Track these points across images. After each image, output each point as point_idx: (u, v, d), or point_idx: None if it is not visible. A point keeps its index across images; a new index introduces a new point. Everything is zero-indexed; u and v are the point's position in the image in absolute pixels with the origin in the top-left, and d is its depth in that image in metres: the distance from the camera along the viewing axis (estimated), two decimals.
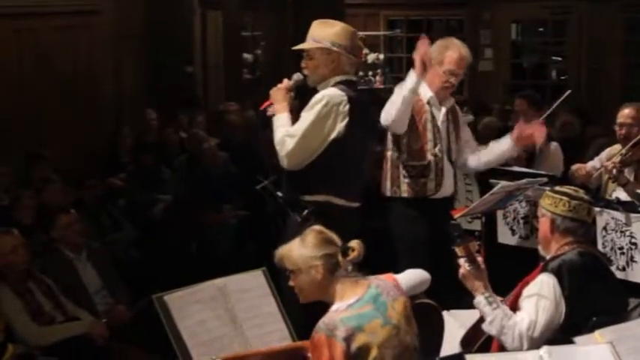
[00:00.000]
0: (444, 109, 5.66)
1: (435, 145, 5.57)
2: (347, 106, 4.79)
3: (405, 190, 5.57)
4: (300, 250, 3.69)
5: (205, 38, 13.24)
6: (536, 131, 5.67)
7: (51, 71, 8.65)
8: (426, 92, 5.61)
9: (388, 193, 5.58)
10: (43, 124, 8.50)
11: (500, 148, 5.77)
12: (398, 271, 3.99)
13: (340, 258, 3.67)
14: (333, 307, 3.64)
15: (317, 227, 3.80)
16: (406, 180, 5.55)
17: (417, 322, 3.77)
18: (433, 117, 5.59)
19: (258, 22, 13.97)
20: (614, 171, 5.89)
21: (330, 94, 4.83)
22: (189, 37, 12.43)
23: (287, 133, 4.84)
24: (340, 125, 4.79)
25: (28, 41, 8.45)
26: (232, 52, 12.51)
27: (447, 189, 5.64)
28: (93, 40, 9.26)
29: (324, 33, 4.95)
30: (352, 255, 3.69)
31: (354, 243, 3.72)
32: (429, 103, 5.60)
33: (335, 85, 4.90)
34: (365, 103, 5.02)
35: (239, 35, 12.75)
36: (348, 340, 3.47)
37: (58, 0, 8.75)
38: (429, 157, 5.55)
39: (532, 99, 7.21)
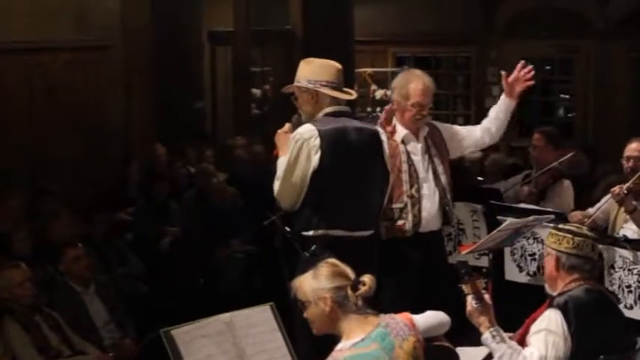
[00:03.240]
0: (421, 138, 5.67)
1: (412, 186, 5.57)
2: (317, 140, 4.82)
3: (383, 234, 5.54)
4: (311, 282, 3.71)
5: (214, 73, 13.32)
6: (520, 75, 5.70)
7: (60, 105, 8.69)
8: (400, 131, 5.62)
9: None
10: (53, 158, 8.53)
11: (501, 109, 5.82)
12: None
13: (350, 292, 3.67)
14: (338, 346, 3.64)
15: (331, 260, 3.82)
16: (384, 223, 5.54)
17: None
18: (409, 156, 5.60)
19: (267, 58, 14.04)
20: (621, 194, 5.91)
21: (301, 131, 4.89)
22: (198, 72, 12.51)
23: (276, 176, 4.95)
24: (315, 158, 4.82)
25: (38, 76, 8.51)
26: (241, 87, 12.57)
27: (430, 225, 5.63)
28: (102, 75, 9.31)
29: (302, 72, 5.03)
30: (362, 289, 3.68)
31: (366, 277, 3.71)
32: (403, 142, 5.61)
33: (317, 120, 4.94)
34: (349, 133, 4.96)
35: (248, 70, 12.81)
36: None
37: (68, 35, 8.82)
38: (405, 199, 5.55)
39: (550, 135, 7.19)
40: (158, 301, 7.22)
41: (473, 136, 5.90)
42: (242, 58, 12.49)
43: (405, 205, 5.54)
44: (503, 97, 5.81)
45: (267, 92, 14.05)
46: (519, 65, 5.75)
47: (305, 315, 3.74)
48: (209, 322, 4.06)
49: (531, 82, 5.75)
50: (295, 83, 5.04)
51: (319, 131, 4.84)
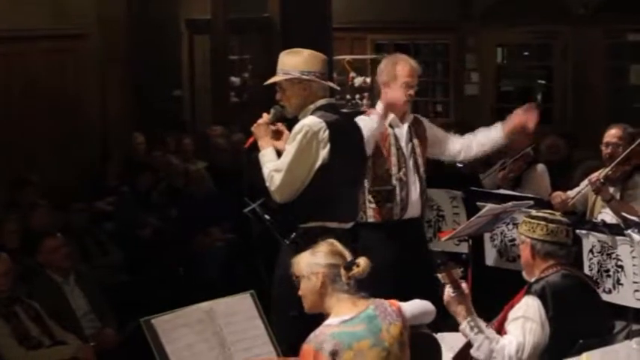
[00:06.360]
0: (405, 127, 5.69)
1: (400, 169, 5.58)
2: (326, 132, 4.75)
3: (370, 216, 5.60)
4: (308, 258, 3.81)
5: (193, 62, 13.27)
6: (529, 118, 5.68)
7: (38, 94, 8.65)
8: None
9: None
10: (30, 148, 8.50)
11: (489, 139, 5.80)
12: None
13: (342, 271, 3.74)
14: (326, 322, 3.71)
15: (331, 240, 3.92)
16: (372, 205, 5.57)
17: (415, 353, 3.80)
18: (396, 139, 5.62)
19: (245, 46, 14.00)
20: (598, 183, 5.95)
21: (308, 123, 4.79)
22: (176, 60, 12.47)
23: (274, 168, 4.83)
24: (323, 152, 4.76)
25: (15, 65, 8.46)
26: (220, 76, 12.53)
27: (413, 210, 5.65)
28: (80, 63, 9.27)
29: (291, 63, 4.90)
30: (355, 270, 3.76)
31: (361, 260, 3.79)
32: (390, 125, 5.62)
33: (314, 111, 4.87)
34: (347, 125, 4.98)
35: (226, 59, 12.78)
36: (335, 355, 3.54)
37: (45, 24, 8.77)
38: (394, 181, 5.57)
39: None
40: (138, 290, 7.21)
41: (450, 147, 5.88)
42: (220, 46, 12.45)
43: (394, 187, 5.56)
44: (499, 129, 5.77)
45: (245, 80, 14.00)
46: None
47: (300, 292, 3.82)
48: (190, 311, 4.06)
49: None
50: (283, 74, 4.91)
51: (327, 123, 4.78)
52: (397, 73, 5.61)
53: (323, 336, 3.59)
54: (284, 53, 5.00)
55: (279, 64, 4.97)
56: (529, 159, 7.02)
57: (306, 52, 4.95)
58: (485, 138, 5.83)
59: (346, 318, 3.68)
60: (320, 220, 4.83)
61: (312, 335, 3.61)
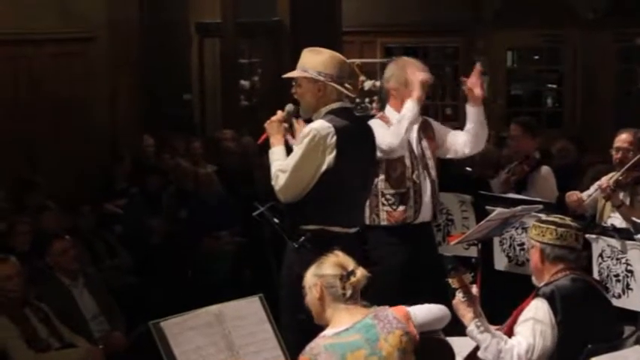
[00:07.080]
0: (415, 129, 5.68)
1: (413, 172, 5.58)
2: (334, 138, 4.73)
3: (384, 219, 5.58)
4: (313, 270, 3.82)
5: (202, 65, 13.30)
6: (473, 84, 5.66)
7: (46, 98, 8.66)
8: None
9: (367, 222, 5.50)
10: (38, 151, 8.52)
11: (470, 119, 5.75)
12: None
13: (338, 281, 3.73)
14: (322, 333, 3.71)
15: (337, 251, 3.89)
16: (385, 208, 5.56)
17: (427, 359, 3.80)
18: (409, 141, 5.61)
19: (255, 49, 14.02)
20: (608, 189, 5.94)
21: (316, 127, 4.77)
22: (186, 64, 12.50)
23: (279, 168, 4.82)
24: (329, 157, 4.74)
25: (23, 68, 8.48)
26: (229, 79, 12.56)
27: (425, 214, 5.65)
28: (88, 67, 9.29)
29: (310, 62, 4.88)
30: (351, 280, 3.74)
31: (358, 270, 3.78)
32: None
33: (326, 115, 4.85)
34: (357, 131, 4.95)
35: (236, 62, 12.80)
36: None
37: (53, 27, 8.79)
38: (408, 184, 5.57)
39: (527, 125, 7.25)
40: (147, 293, 7.21)
41: (455, 142, 5.85)
42: (230, 49, 12.48)
43: (408, 189, 5.56)
44: (468, 106, 5.75)
45: (255, 84, 14.02)
46: (476, 69, 5.74)
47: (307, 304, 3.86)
48: (198, 314, 4.06)
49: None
50: (302, 72, 4.88)
51: (335, 129, 4.76)
52: (408, 78, 5.60)
53: (317, 348, 3.59)
54: (306, 51, 4.96)
55: (300, 60, 4.94)
56: (533, 162, 7.01)
57: (326, 53, 4.91)
58: (467, 120, 5.79)
59: (341, 329, 3.67)
60: (323, 224, 4.82)
61: (307, 347, 3.62)
